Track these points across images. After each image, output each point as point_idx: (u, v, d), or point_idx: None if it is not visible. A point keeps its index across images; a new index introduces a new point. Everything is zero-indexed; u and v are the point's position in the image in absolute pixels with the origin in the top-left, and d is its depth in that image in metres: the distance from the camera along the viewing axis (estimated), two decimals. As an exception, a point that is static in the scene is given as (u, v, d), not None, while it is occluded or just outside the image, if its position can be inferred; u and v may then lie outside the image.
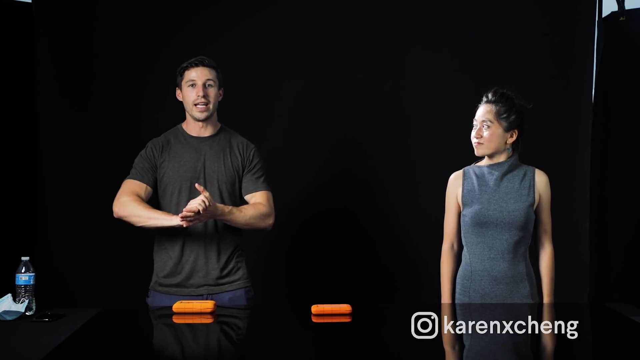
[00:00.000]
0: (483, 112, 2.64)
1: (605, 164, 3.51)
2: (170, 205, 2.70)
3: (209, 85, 2.71)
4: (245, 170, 2.78)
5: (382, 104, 3.59)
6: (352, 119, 3.60)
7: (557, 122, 3.52)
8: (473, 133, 2.66)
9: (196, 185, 2.56)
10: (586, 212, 3.50)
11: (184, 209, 2.49)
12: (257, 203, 2.73)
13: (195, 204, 2.48)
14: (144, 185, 2.69)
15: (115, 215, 2.66)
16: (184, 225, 2.52)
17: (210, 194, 2.68)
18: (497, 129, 2.62)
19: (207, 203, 2.49)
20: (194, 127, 2.77)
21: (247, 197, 2.77)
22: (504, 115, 2.62)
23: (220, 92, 2.78)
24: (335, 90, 3.58)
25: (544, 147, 3.45)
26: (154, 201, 2.74)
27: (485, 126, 2.62)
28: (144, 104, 3.48)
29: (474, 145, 2.66)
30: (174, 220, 2.55)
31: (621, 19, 3.39)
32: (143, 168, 2.71)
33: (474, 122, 2.67)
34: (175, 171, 2.70)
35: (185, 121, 2.80)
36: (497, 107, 2.62)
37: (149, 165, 2.71)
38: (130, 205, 2.62)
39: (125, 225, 2.72)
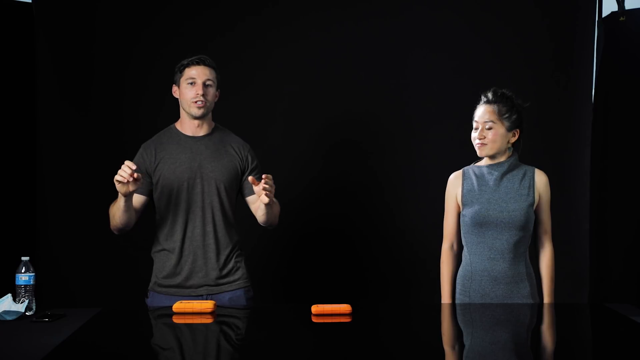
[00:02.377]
0: (485, 112, 2.63)
1: (605, 164, 3.50)
2: (169, 206, 2.69)
3: (208, 84, 2.71)
4: (246, 173, 2.77)
5: (381, 104, 3.59)
6: (352, 119, 3.60)
7: (557, 122, 3.52)
8: (475, 134, 2.65)
9: (250, 178, 2.52)
10: (586, 212, 3.49)
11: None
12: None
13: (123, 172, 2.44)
14: (134, 194, 2.67)
15: (114, 232, 2.69)
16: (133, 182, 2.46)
17: (209, 193, 2.68)
18: (500, 129, 2.62)
19: (132, 168, 2.44)
20: (189, 127, 2.76)
21: (252, 198, 2.77)
22: (506, 115, 2.62)
23: (217, 93, 2.77)
24: (335, 91, 3.58)
25: (544, 147, 3.44)
26: (151, 204, 2.74)
27: (487, 127, 2.62)
28: (144, 105, 3.48)
29: (476, 146, 2.65)
30: (120, 198, 2.53)
31: (621, 19, 3.39)
32: None
33: (475, 123, 2.66)
34: (172, 172, 2.69)
35: (179, 121, 2.79)
36: (499, 107, 2.62)
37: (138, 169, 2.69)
38: (110, 214, 2.65)
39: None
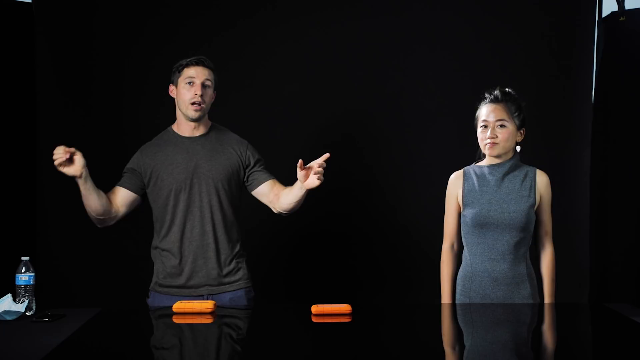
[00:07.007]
0: (495, 111, 2.61)
1: (605, 164, 3.50)
2: (167, 208, 2.69)
3: (206, 85, 2.70)
4: (249, 168, 2.77)
5: (381, 103, 3.58)
6: (352, 118, 3.60)
7: (557, 122, 3.52)
8: (485, 134, 2.62)
9: (300, 162, 2.54)
10: (586, 212, 3.49)
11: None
12: None
13: None
14: (119, 187, 2.71)
15: (95, 223, 2.72)
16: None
17: (207, 192, 2.68)
18: (512, 128, 2.61)
19: None
20: (185, 128, 2.76)
21: (265, 185, 2.75)
22: (516, 114, 2.61)
23: (214, 94, 2.77)
24: (334, 90, 3.57)
25: (544, 147, 3.44)
26: (148, 207, 2.75)
27: (499, 126, 2.60)
28: (144, 104, 3.48)
29: (486, 146, 2.62)
30: (78, 182, 2.56)
31: (621, 19, 3.39)
32: (125, 174, 2.74)
33: (483, 122, 2.63)
34: (169, 174, 2.69)
35: (176, 122, 2.79)
36: (509, 106, 2.61)
37: (130, 168, 2.74)
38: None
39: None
